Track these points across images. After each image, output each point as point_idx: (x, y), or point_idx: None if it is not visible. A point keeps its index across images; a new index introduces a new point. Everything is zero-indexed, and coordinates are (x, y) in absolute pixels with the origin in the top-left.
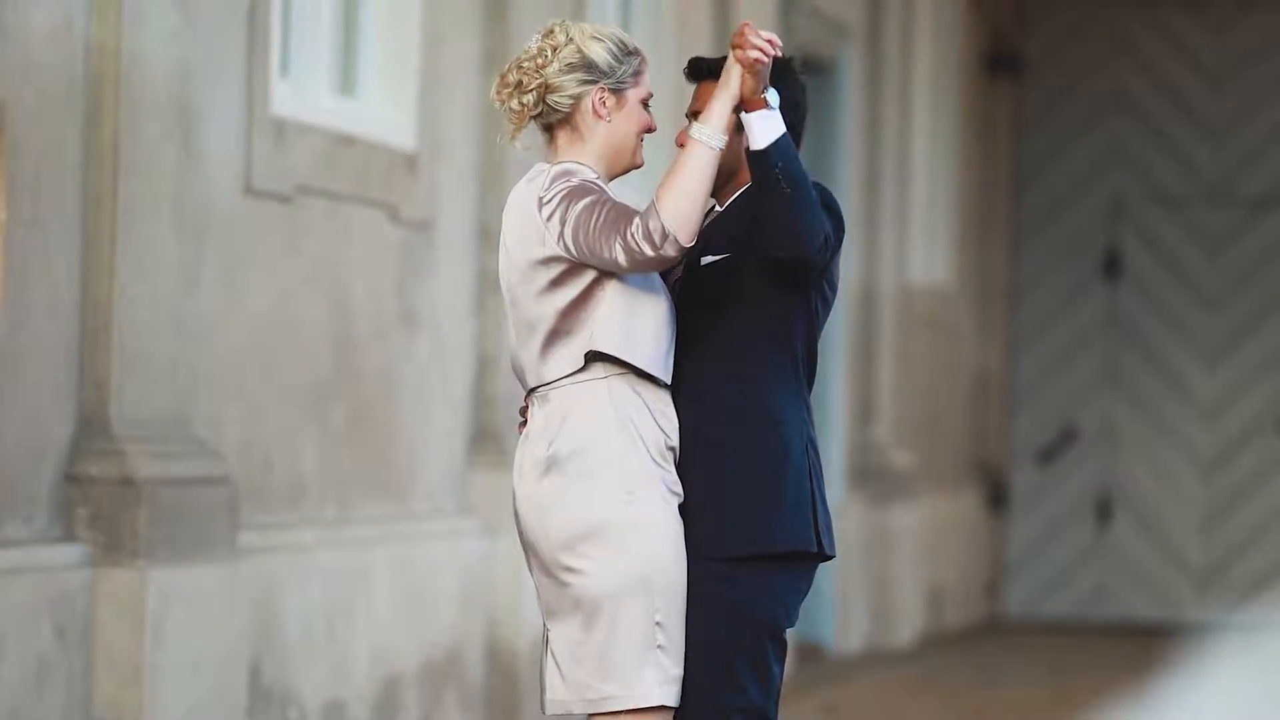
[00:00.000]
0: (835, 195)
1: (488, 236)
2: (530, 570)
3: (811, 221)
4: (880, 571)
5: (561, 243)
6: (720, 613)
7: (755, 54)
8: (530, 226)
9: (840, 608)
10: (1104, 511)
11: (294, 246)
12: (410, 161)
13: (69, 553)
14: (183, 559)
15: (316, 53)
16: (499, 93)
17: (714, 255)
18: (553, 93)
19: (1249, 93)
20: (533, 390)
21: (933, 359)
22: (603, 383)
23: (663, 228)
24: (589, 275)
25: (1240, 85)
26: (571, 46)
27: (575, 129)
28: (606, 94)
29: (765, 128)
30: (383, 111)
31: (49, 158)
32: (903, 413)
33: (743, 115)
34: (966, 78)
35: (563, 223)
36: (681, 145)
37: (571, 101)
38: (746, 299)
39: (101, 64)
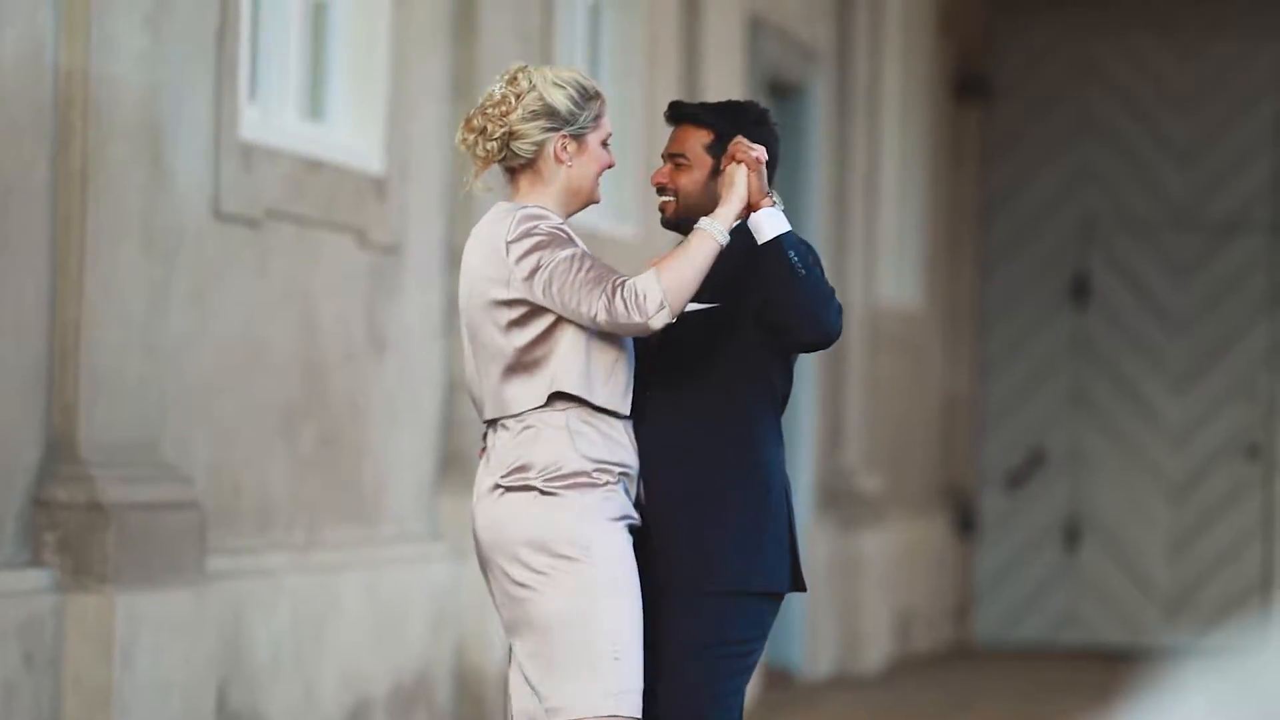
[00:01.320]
0: (804, 218)
1: (456, 260)
2: (490, 590)
3: (829, 306)
4: (849, 596)
5: (529, 287)
6: (694, 643)
7: (756, 153)
8: (494, 267)
9: (809, 632)
10: (1072, 536)
11: (262, 270)
12: (378, 186)
13: (37, 577)
14: (151, 583)
15: (285, 77)
16: (464, 138)
17: (697, 304)
18: (516, 139)
19: (1217, 117)
20: (492, 420)
21: (901, 383)
22: (561, 415)
23: (661, 299)
24: (550, 316)
25: (1208, 109)
26: (534, 94)
27: (537, 173)
28: (568, 140)
29: (773, 224)
30: (351, 136)
31: (18, 180)
32: (871, 437)
33: (753, 215)
34: (935, 102)
35: (534, 269)
36: (657, 185)
37: (534, 148)
38: (728, 339)
39: (70, 87)
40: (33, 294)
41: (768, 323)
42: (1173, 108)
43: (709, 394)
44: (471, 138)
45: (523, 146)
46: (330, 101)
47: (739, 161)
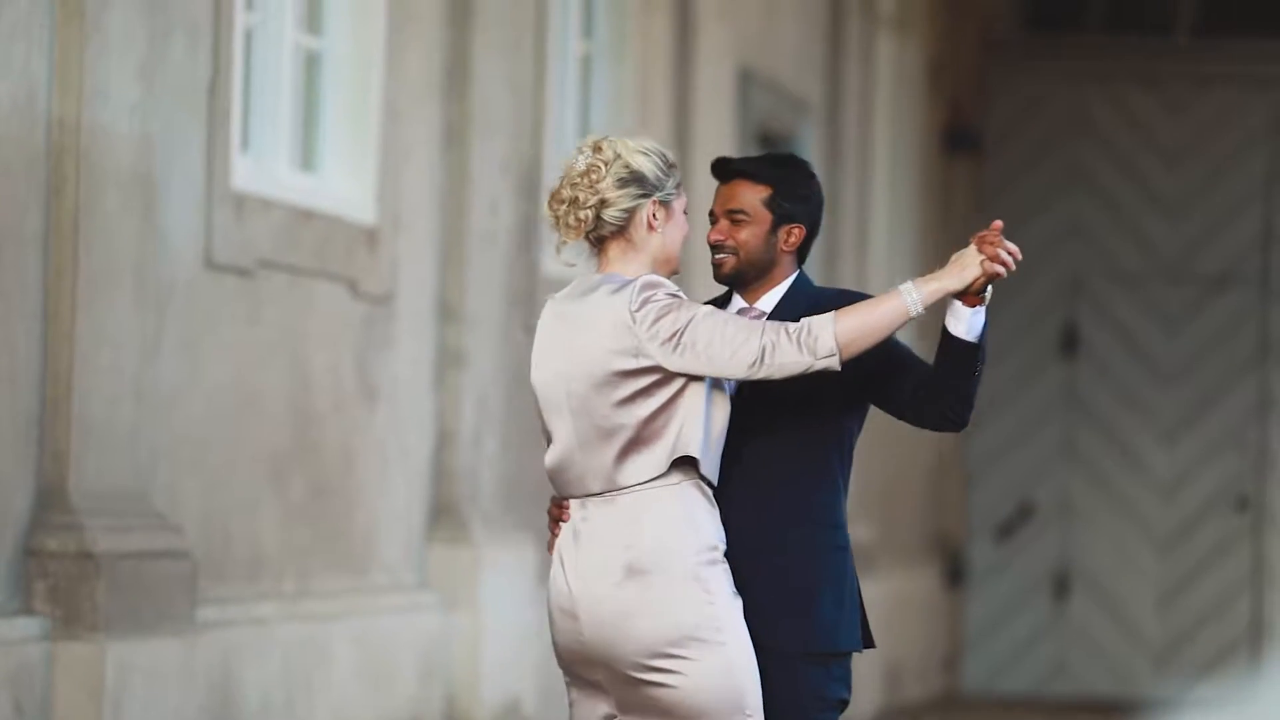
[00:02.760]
0: None
1: (447, 311)
2: (577, 679)
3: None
4: None
5: (666, 352)
6: (797, 705)
7: (1002, 268)
8: (620, 339)
9: None
10: (1062, 587)
11: (254, 319)
12: (370, 236)
13: (27, 625)
14: (141, 632)
15: (277, 127)
16: (553, 209)
17: None
18: (608, 207)
19: (1206, 170)
20: (595, 494)
21: (891, 432)
22: (676, 487)
23: (833, 345)
24: (676, 384)
25: (1197, 163)
26: (621, 161)
27: (629, 241)
28: (658, 206)
29: (976, 320)
30: (343, 186)
31: (10, 229)
32: (861, 486)
33: (958, 303)
34: (925, 153)
35: (674, 334)
36: (714, 243)
37: (626, 216)
38: (805, 401)
39: (63, 137)
40: (24, 343)
41: (917, 403)
42: (1162, 160)
43: (795, 456)
44: (562, 209)
45: (614, 214)
46: (322, 152)
47: (987, 255)
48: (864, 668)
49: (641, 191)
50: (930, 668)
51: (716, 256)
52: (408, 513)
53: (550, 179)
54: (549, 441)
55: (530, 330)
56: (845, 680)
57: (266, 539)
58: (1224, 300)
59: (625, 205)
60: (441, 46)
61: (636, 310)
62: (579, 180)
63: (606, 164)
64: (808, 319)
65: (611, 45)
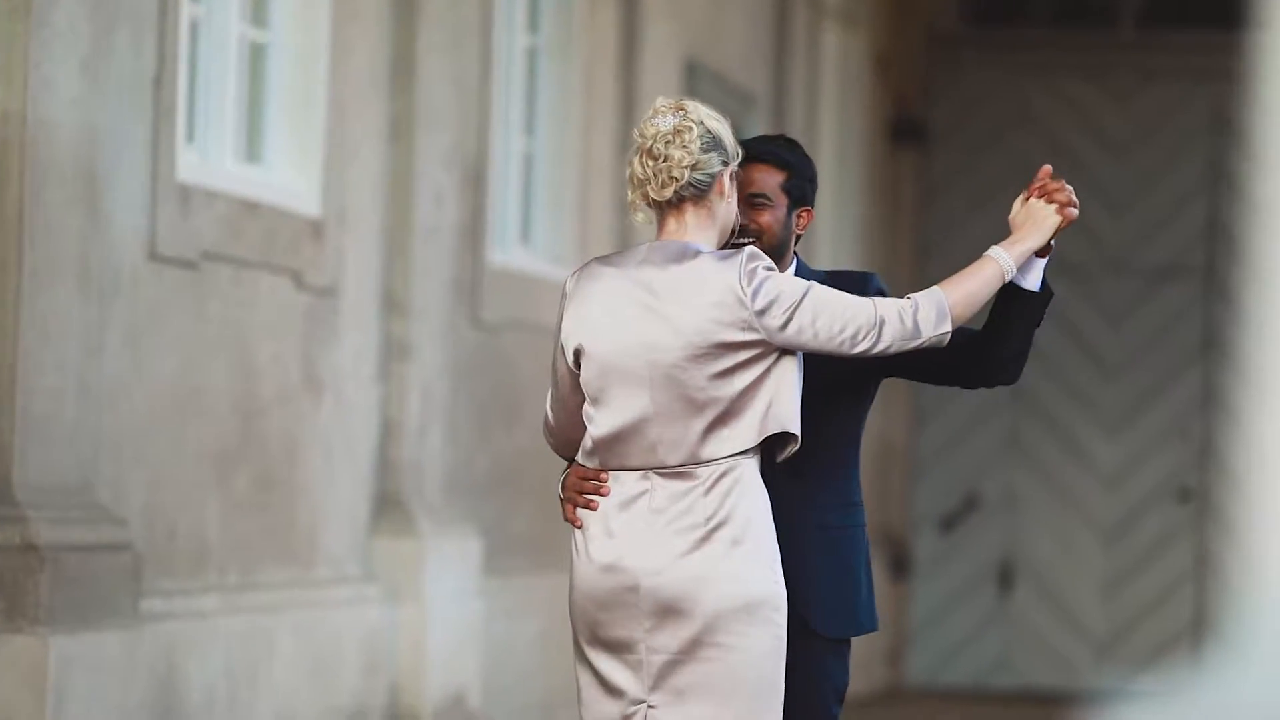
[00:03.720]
0: None
1: (392, 303)
2: (601, 657)
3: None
4: None
5: (781, 327)
6: (812, 687)
7: (1075, 210)
8: (731, 311)
9: None
10: (1005, 579)
11: (199, 312)
12: (315, 228)
13: None
14: (85, 625)
15: (222, 120)
16: (644, 164)
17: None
18: (698, 170)
19: (1150, 163)
20: (668, 466)
21: None
22: (754, 461)
23: (948, 319)
24: (771, 357)
25: (1142, 155)
26: (703, 126)
27: (707, 206)
28: (729, 173)
29: (1039, 272)
30: (288, 178)
31: None
32: None
33: (1033, 257)
34: (871, 146)
35: (790, 308)
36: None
37: (711, 180)
38: (839, 385)
39: (6, 130)
40: None
41: (958, 365)
42: (1107, 153)
43: (827, 436)
44: (654, 166)
45: (702, 177)
46: (267, 144)
47: (1056, 205)
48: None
49: (723, 158)
50: (874, 660)
51: (740, 240)
52: (352, 505)
53: (496, 172)
54: (561, 411)
55: (477, 322)
56: (846, 659)
57: (210, 532)
58: (1168, 293)
59: (712, 169)
60: (387, 39)
61: (749, 284)
62: (672, 138)
63: (694, 125)
64: (916, 295)
65: (557, 39)
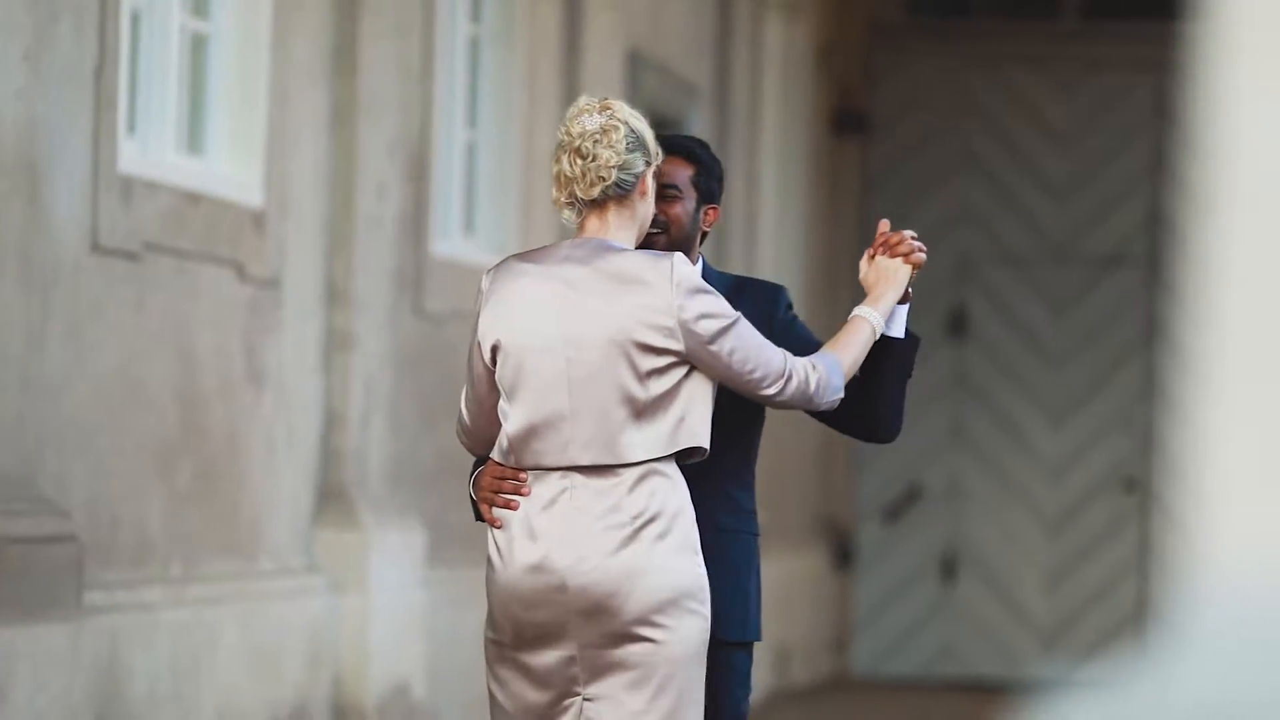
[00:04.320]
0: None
1: (335, 294)
2: (523, 654)
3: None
4: None
5: (703, 346)
6: (723, 690)
7: (921, 254)
8: (659, 315)
9: None
10: (949, 569)
11: (141, 304)
12: (257, 219)
13: None
14: (27, 617)
15: (163, 110)
16: (572, 163)
17: None
18: (624, 170)
19: (1094, 152)
20: (584, 466)
21: (778, 415)
22: (673, 463)
23: (841, 389)
24: (682, 371)
25: (1085, 145)
26: (627, 126)
27: (628, 206)
28: (650, 173)
29: (903, 319)
30: (230, 169)
31: None
32: None
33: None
34: (814, 137)
35: (719, 331)
36: None
37: (635, 180)
38: (741, 400)
39: None
40: None
41: (845, 411)
42: (1050, 143)
43: (723, 445)
44: (582, 165)
45: (626, 178)
46: (209, 135)
47: (907, 260)
48: (753, 651)
49: (646, 158)
50: (819, 651)
51: (650, 230)
52: (295, 496)
53: (439, 162)
54: (477, 410)
55: (420, 312)
56: (749, 667)
57: (153, 524)
58: (1111, 282)
59: (636, 170)
60: (329, 29)
61: (683, 294)
62: (600, 138)
63: (620, 125)
64: (816, 359)
65: (500, 29)
